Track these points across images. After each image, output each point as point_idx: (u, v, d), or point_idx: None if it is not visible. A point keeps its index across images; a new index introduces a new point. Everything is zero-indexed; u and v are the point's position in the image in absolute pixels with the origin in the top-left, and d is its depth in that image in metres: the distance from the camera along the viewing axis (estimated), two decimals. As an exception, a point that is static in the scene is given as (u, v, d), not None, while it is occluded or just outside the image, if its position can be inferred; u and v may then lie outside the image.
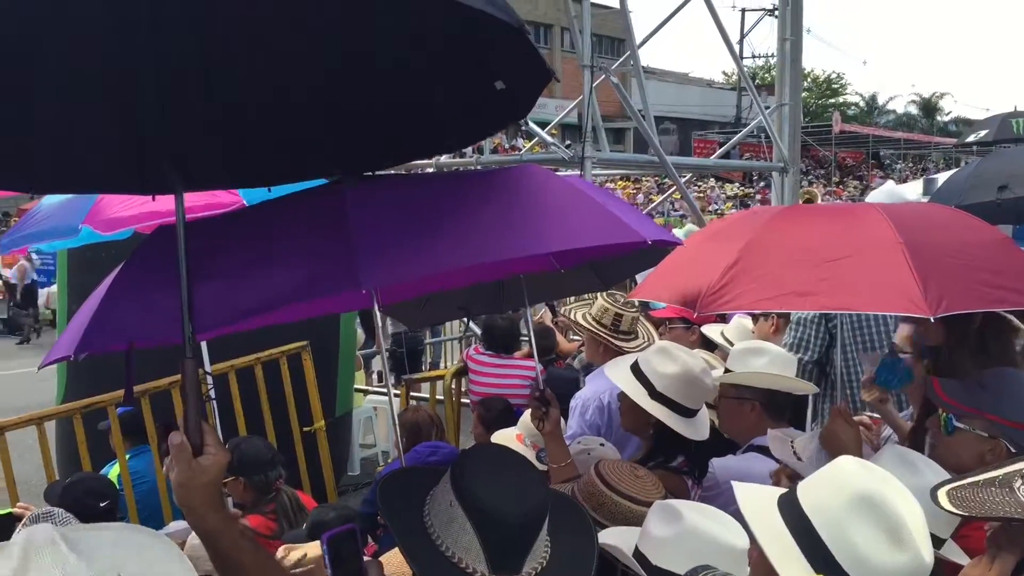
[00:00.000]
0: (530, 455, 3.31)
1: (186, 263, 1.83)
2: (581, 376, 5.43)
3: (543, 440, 3.18)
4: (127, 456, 5.24)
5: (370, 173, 2.33)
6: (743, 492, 1.87)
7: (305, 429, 6.23)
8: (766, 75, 48.62)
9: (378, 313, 3.03)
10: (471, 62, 2.03)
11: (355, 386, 7.97)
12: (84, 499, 3.76)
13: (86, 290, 7.02)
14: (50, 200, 5.08)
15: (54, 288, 17.06)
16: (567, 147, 8.33)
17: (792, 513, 1.74)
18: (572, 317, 4.19)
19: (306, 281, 1.92)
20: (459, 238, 2.01)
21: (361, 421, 8.04)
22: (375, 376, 10.24)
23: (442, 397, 6.85)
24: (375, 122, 2.26)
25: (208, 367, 5.41)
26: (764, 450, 2.93)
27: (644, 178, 35.59)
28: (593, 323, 4.07)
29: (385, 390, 8.88)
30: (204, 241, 1.96)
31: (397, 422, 3.15)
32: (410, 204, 2.12)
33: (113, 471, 5.22)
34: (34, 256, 17.19)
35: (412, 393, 7.37)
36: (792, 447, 2.71)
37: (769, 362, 3.14)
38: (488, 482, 1.83)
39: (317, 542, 2.78)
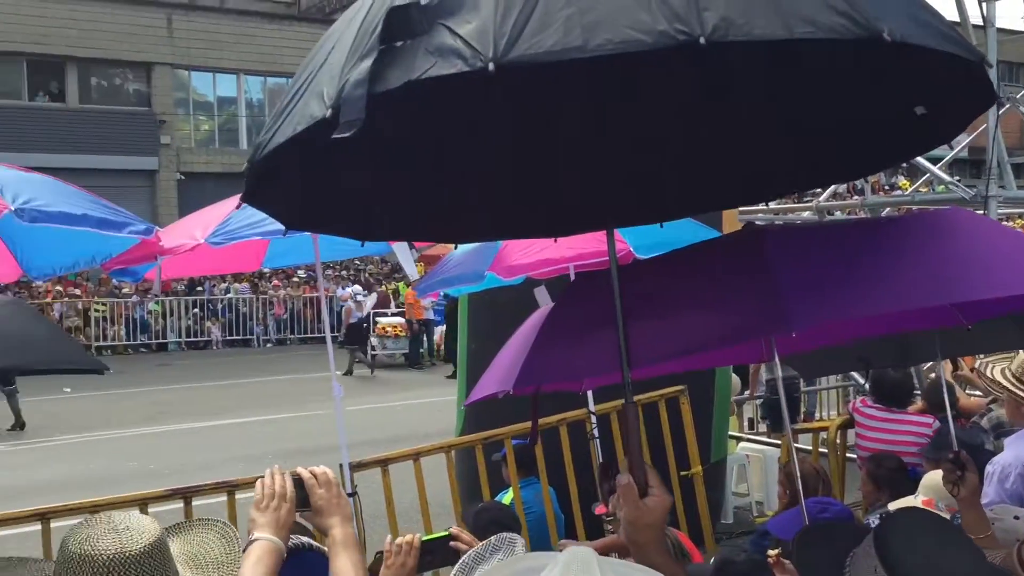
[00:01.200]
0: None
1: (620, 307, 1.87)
2: (987, 438, 4.91)
3: (958, 505, 2.92)
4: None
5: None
6: None
7: (682, 473, 6.25)
8: None
9: (778, 361, 3.00)
10: (900, 88, 1.91)
11: (729, 432, 7.87)
12: (490, 527, 4.06)
13: (482, 329, 7.59)
14: (460, 249, 5.67)
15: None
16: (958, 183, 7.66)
17: None
18: (989, 373, 3.80)
19: (732, 325, 1.94)
20: (890, 282, 1.91)
21: (735, 468, 7.90)
22: (747, 423, 10.04)
23: (825, 450, 6.53)
24: (784, 148, 2.24)
25: (592, 407, 5.67)
26: None
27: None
28: (1014, 381, 3.66)
29: (759, 438, 8.67)
30: (627, 287, 2.05)
31: (797, 473, 3.08)
32: (830, 249, 2.07)
33: (505, 498, 5.61)
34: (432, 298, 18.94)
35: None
36: None
37: None
38: (918, 551, 1.73)
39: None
